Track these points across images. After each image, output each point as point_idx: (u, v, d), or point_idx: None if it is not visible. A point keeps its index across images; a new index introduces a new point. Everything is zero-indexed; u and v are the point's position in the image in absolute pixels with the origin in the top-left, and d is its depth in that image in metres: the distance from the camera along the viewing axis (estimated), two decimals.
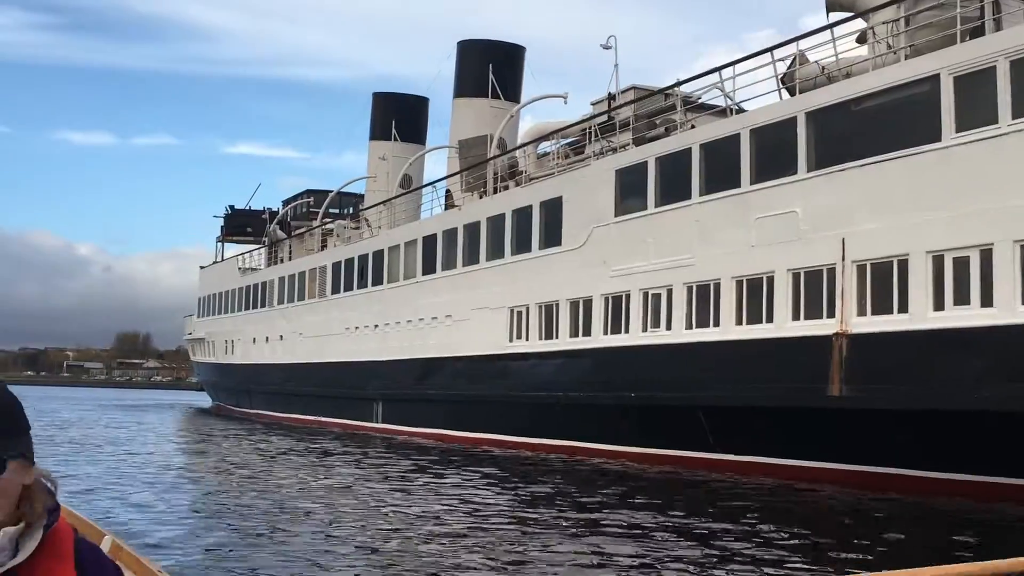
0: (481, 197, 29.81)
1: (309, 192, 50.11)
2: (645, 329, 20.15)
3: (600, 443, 21.18)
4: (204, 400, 72.76)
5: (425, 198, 36.37)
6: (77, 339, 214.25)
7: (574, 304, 22.54)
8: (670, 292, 19.60)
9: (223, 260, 51.63)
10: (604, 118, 25.38)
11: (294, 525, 12.03)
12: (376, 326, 32.17)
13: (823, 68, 17.47)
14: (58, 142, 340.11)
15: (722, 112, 20.79)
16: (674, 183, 19.74)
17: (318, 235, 42.40)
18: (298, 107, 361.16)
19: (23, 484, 1.84)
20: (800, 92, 17.51)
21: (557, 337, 22.96)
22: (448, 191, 34.15)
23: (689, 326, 19.07)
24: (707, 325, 18.61)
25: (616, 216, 21.30)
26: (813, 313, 16.40)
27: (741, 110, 21.24)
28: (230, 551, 10.24)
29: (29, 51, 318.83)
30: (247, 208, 52.13)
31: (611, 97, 26.88)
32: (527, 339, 24.15)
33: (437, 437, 27.37)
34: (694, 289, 19.08)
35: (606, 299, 21.44)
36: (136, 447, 25.40)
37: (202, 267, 54.25)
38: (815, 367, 16.02)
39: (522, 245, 24.72)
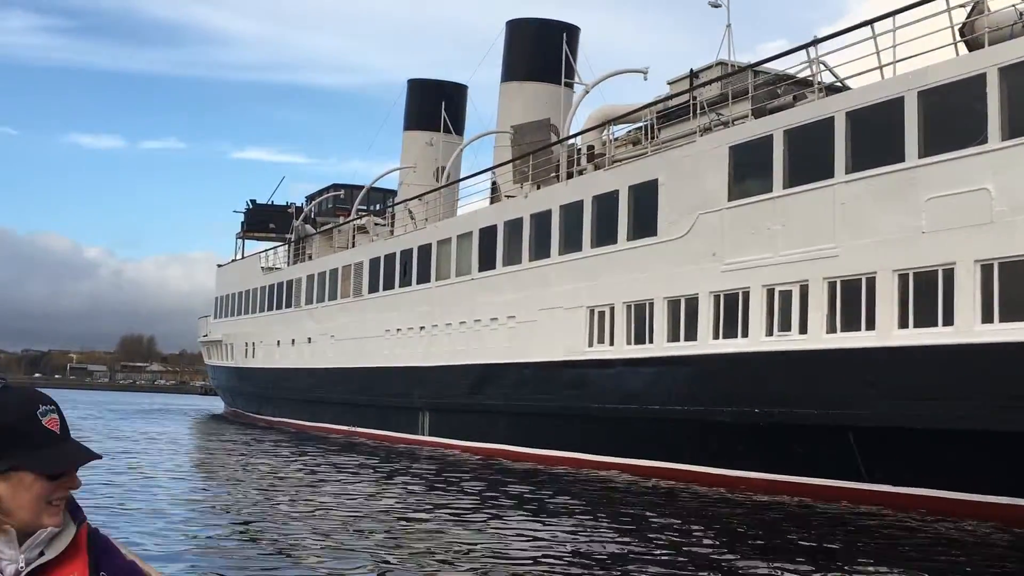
0: (539, 187, 26.77)
1: (336, 186, 47.14)
2: (770, 332, 17.05)
3: (707, 466, 18.07)
4: (210, 405, 69.81)
5: (464, 191, 33.36)
6: (82, 342, 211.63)
7: (673, 303, 19.45)
8: (805, 289, 16.51)
9: (243, 257, 48.60)
10: (685, 98, 22.40)
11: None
12: (422, 328, 29.08)
13: (1022, 14, 14.38)
14: (68, 145, 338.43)
15: (828, 89, 17.86)
16: (810, 160, 16.67)
17: (348, 231, 39.38)
18: (307, 113, 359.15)
19: None
20: (989, 44, 14.40)
21: (651, 341, 19.86)
22: (494, 183, 31.17)
23: (832, 329, 15.97)
24: (856, 327, 15.51)
25: (730, 200, 18.23)
26: (1013, 314, 13.29)
27: (845, 87, 18.25)
28: None
29: (40, 53, 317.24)
30: (269, 203, 49.14)
31: (693, 74, 23.87)
32: (611, 343, 21.06)
33: (496, 453, 24.26)
34: (838, 285, 15.99)
35: (716, 297, 18.35)
36: (161, 466, 22.32)
37: (220, 265, 51.27)
38: (1015, 382, 12.93)
39: (605, 236, 21.64)
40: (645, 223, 20.40)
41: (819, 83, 17.66)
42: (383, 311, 31.60)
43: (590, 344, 21.72)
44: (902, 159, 15.05)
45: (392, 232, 36.48)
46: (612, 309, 21.12)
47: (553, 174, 25.26)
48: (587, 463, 21.19)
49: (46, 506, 1.95)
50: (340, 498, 15.78)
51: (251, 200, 48.57)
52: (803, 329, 16.40)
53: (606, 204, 21.68)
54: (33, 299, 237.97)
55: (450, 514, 13.90)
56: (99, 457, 2.04)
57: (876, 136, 15.55)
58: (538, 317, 23.56)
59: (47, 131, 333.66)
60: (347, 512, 13.98)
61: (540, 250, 23.95)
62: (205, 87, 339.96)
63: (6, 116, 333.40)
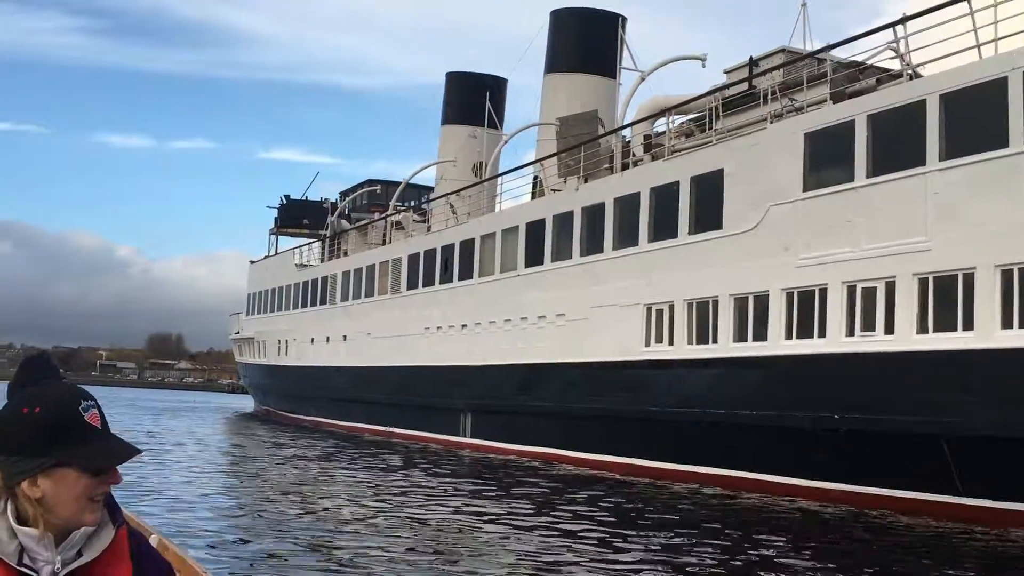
0: (587, 181, 25.69)
1: (372, 182, 46.31)
2: (851, 332, 15.85)
3: (775, 475, 16.90)
4: (239, 403, 69.27)
5: (504, 186, 32.29)
6: (111, 339, 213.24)
7: (740, 301, 18.30)
8: (891, 285, 15.30)
9: (277, 254, 47.88)
10: (744, 87, 21.25)
11: None
12: (464, 326, 28.08)
13: None
14: (97, 144, 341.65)
15: (895, 77, 16.66)
16: (897, 146, 15.46)
17: (384, 226, 38.52)
18: (335, 113, 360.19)
19: None
20: None
21: (715, 341, 18.72)
22: (536, 178, 30.13)
23: (923, 329, 14.75)
24: (952, 328, 14.29)
25: (806, 191, 17.04)
26: None
27: (917, 75, 17.00)
28: None
29: (71, 53, 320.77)
30: (303, 199, 48.38)
31: (753, 63, 22.69)
32: (670, 343, 19.93)
33: (543, 457, 23.20)
34: (930, 281, 14.77)
35: (789, 295, 17.18)
36: (201, 469, 21.47)
37: (252, 261, 50.54)
38: None
39: (664, 230, 20.52)
40: (708, 216, 19.25)
41: (908, 64, 16.44)
42: (423, 308, 30.65)
43: (647, 344, 20.60)
44: (1005, 144, 13.82)
45: (430, 228, 35.58)
46: (671, 307, 19.99)
47: (605, 166, 24.15)
48: (641, 469, 20.06)
49: (87, 503, 1.93)
50: (393, 502, 14.80)
51: (285, 195, 47.89)
52: (889, 329, 15.20)
53: (665, 196, 20.56)
54: (64, 297, 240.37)
55: (531, 526, 12.86)
56: (140, 452, 2.01)
57: (975, 120, 14.34)
58: (589, 315, 22.48)
59: (78, 130, 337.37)
60: (410, 519, 12.99)
61: (592, 245, 22.87)
62: (233, 87, 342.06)
63: (38, 114, 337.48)
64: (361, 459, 22.87)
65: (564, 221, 24.03)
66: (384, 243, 37.39)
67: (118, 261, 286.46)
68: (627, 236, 21.68)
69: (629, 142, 26.22)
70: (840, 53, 19.56)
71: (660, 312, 20.34)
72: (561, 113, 30.16)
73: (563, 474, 20.52)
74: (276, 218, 48.25)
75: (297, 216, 47.13)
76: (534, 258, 25.08)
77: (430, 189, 43.18)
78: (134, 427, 32.42)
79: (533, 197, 29.61)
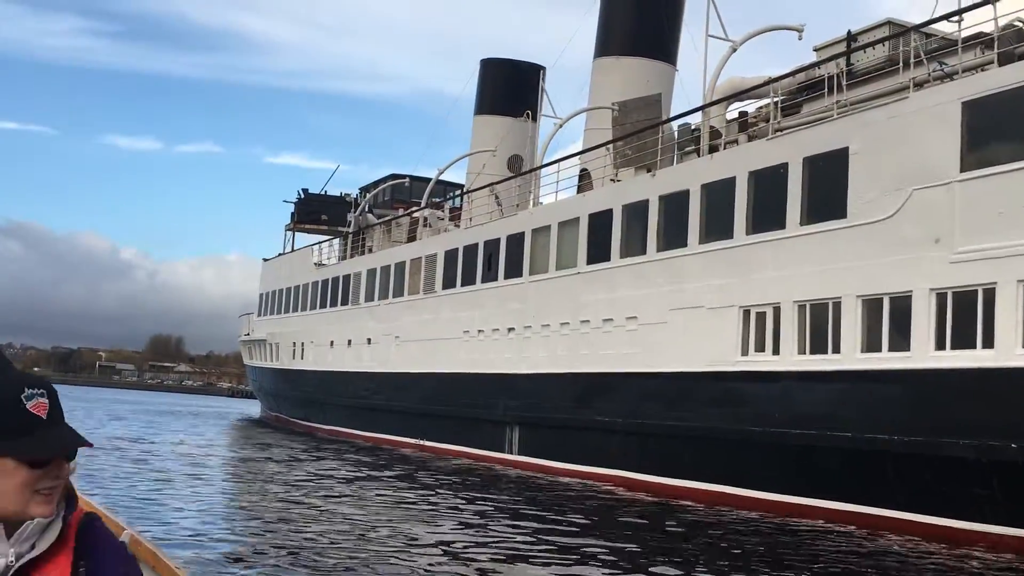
0: (649, 171, 22.83)
1: (394, 176, 43.40)
2: None
3: (922, 513, 13.96)
4: (241, 407, 66.38)
5: (546, 179, 29.37)
6: (112, 341, 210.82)
7: (871, 303, 15.36)
8: None
9: (293, 251, 44.96)
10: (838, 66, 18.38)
11: None
12: (511, 330, 25.14)
13: None
14: (105, 146, 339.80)
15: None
16: None
17: (407, 224, 35.64)
18: (341, 119, 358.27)
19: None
20: None
21: (837, 351, 15.77)
22: (584, 171, 27.26)
23: None
24: None
25: (964, 171, 14.13)
26: None
27: None
28: None
29: (81, 56, 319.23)
30: (322, 193, 45.46)
31: (852, 37, 19.81)
32: (775, 352, 16.99)
33: (606, 479, 20.24)
34: None
35: (941, 296, 14.25)
36: (212, 489, 18.54)
37: (266, 259, 47.62)
38: None
39: (766, 220, 17.61)
40: (828, 203, 16.34)
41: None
42: (461, 310, 27.73)
43: (744, 352, 17.66)
44: None
45: (457, 225, 32.69)
46: (777, 310, 17.06)
47: (693, 148, 21.24)
48: (733, 498, 17.12)
49: (33, 495, 1.85)
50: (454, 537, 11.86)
51: (303, 189, 44.91)
52: None
53: (768, 181, 17.65)
54: (69, 298, 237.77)
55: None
56: (89, 444, 1.95)
57: None
58: (669, 319, 19.55)
59: (86, 132, 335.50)
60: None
61: (672, 238, 19.95)
62: (241, 92, 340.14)
63: (47, 116, 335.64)
64: (389, 475, 19.93)
65: (637, 212, 21.14)
66: (409, 240, 34.53)
67: (123, 263, 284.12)
68: (717, 228, 18.78)
69: (695, 130, 23.43)
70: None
71: (761, 315, 17.41)
72: (613, 99, 27.40)
73: (635, 499, 17.57)
74: (293, 213, 45.29)
75: (315, 211, 44.19)
76: (599, 254, 22.16)
77: (458, 186, 40.31)
78: (125, 432, 29.47)
79: (580, 191, 26.78)
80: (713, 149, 20.26)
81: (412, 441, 29.19)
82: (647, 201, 20.82)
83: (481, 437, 25.50)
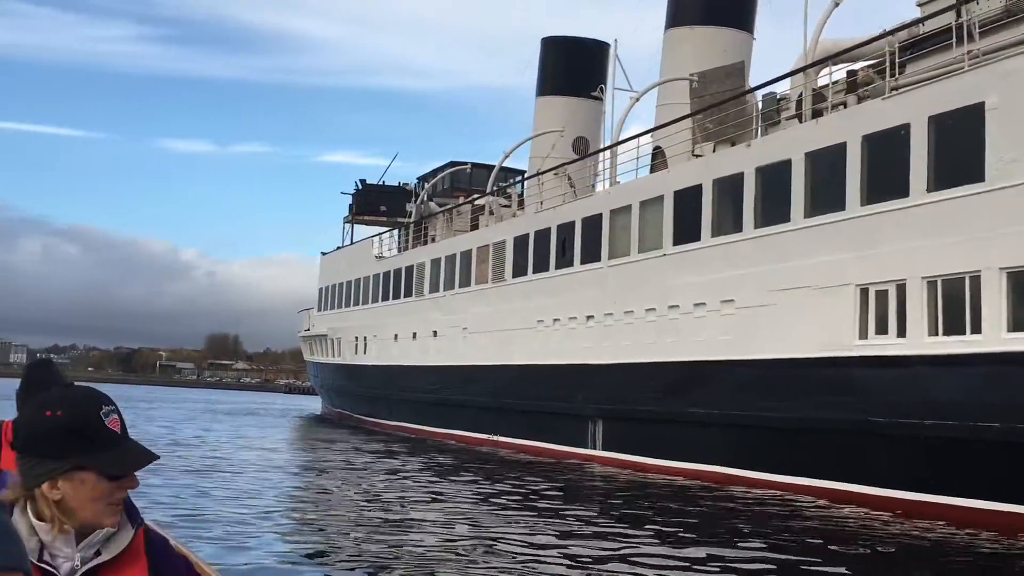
0: (733, 144, 21.17)
1: (453, 163, 42.10)
2: None
3: None
4: (299, 404, 65.89)
5: (619, 158, 27.72)
6: (171, 340, 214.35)
7: (1018, 276, 13.59)
8: None
9: (352, 243, 43.98)
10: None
11: None
12: (589, 317, 23.67)
13: None
14: (161, 149, 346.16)
15: None
16: None
17: (469, 212, 34.32)
18: (388, 115, 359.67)
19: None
20: None
21: (977, 331, 14.01)
22: (658, 149, 25.62)
23: None
24: None
25: None
26: None
27: None
28: None
29: (137, 61, 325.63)
30: (380, 183, 44.34)
31: None
32: (901, 334, 15.28)
33: (703, 476, 18.68)
34: None
35: None
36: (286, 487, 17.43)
37: (324, 253, 46.77)
38: None
39: (885, 188, 15.87)
40: (961, 165, 14.57)
41: None
42: (533, 298, 26.32)
43: (862, 335, 15.96)
44: None
45: (521, 210, 31.26)
46: (902, 287, 15.33)
47: (793, 115, 19.52)
48: (852, 496, 15.46)
49: (106, 506, 1.96)
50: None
51: (361, 180, 43.80)
52: None
53: (886, 145, 15.91)
54: (128, 299, 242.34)
55: None
56: (157, 458, 2.04)
57: None
58: (771, 300, 17.90)
59: (143, 136, 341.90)
60: None
61: (772, 213, 18.29)
62: (291, 92, 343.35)
63: (108, 122, 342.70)
64: (466, 474, 18.61)
65: (730, 186, 19.49)
66: (472, 229, 33.21)
67: (182, 264, 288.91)
68: (826, 200, 17.07)
69: (782, 99, 21.70)
70: None
71: (883, 294, 15.69)
72: (686, 72, 25.76)
73: (747, 497, 15.99)
74: (351, 205, 44.23)
75: (374, 202, 43.05)
76: (687, 233, 20.57)
77: (519, 172, 38.86)
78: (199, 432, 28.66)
79: (653, 170, 25.18)
80: (816, 115, 18.52)
81: (484, 437, 27.90)
82: (741, 175, 19.16)
83: (560, 432, 24.09)
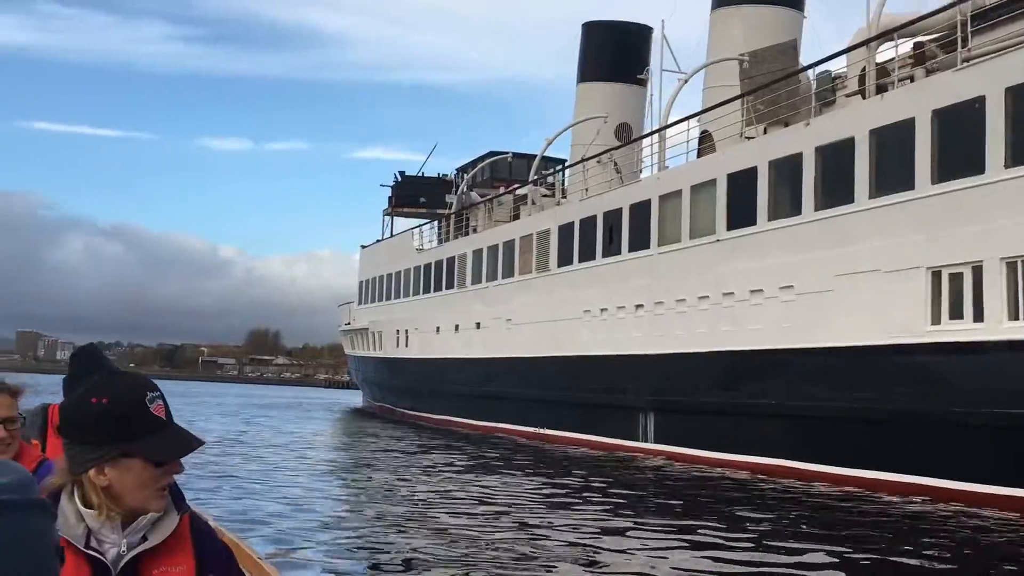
0: (787, 126, 20.31)
1: (493, 154, 41.55)
2: None
3: None
4: (339, 398, 65.89)
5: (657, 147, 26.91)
6: (212, 336, 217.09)
7: None
8: None
9: (392, 235, 43.62)
10: None
11: None
12: (639, 307, 22.97)
13: None
14: (200, 148, 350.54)
15: None
16: None
17: (510, 203, 33.71)
18: (421, 110, 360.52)
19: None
20: None
21: None
22: (706, 132, 24.81)
23: None
24: None
25: None
26: None
27: None
28: None
29: (178, 62, 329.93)
30: (419, 175, 43.96)
31: None
32: (978, 319, 14.42)
33: (762, 469, 17.93)
34: None
35: None
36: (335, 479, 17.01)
37: (364, 246, 46.47)
38: None
39: (959, 165, 14.99)
40: None
41: None
42: (580, 288, 25.67)
43: (935, 321, 15.12)
44: None
45: (563, 200, 30.56)
46: (977, 269, 14.47)
47: (856, 91, 18.65)
48: (923, 489, 14.66)
49: (152, 492, 1.96)
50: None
51: (400, 172, 43.53)
52: None
53: (959, 119, 15.03)
54: (170, 296, 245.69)
55: None
56: (203, 443, 2.05)
57: None
58: (834, 286, 17.09)
59: (181, 135, 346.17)
60: None
61: (835, 194, 17.46)
62: (325, 88, 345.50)
63: (148, 122, 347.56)
64: (515, 468, 18.04)
65: (787, 168, 18.68)
66: (513, 219, 32.60)
67: (222, 261, 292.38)
68: (893, 179, 16.22)
69: (836, 77, 20.78)
70: None
71: (957, 277, 14.84)
72: (733, 53, 24.90)
73: (809, 491, 15.25)
74: (390, 197, 43.92)
75: (413, 194, 42.69)
76: (742, 217, 19.79)
77: (559, 161, 38.17)
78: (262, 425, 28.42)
79: (700, 155, 24.38)
80: (880, 91, 17.63)
81: (529, 430, 27.34)
82: (800, 155, 18.34)
83: (609, 424, 23.44)
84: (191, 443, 2.00)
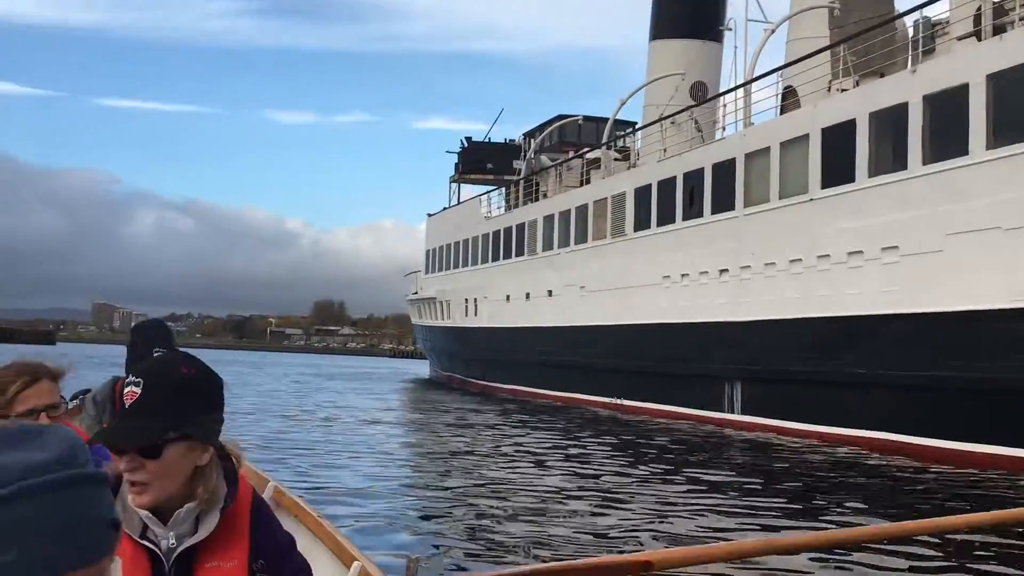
0: (883, 75, 18.85)
1: (561, 117, 40.39)
2: None
3: None
4: (404, 367, 65.94)
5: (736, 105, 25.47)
6: (280, 307, 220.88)
7: None
8: None
9: (459, 203, 42.91)
10: None
11: None
12: (723, 271, 21.85)
13: None
14: (266, 121, 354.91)
15: None
16: None
17: (579, 167, 32.61)
18: (484, 79, 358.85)
19: (196, 465, 1.85)
20: None
21: None
22: (790, 88, 23.37)
23: None
24: None
25: None
26: None
27: None
28: None
29: (242, 37, 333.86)
30: (486, 140, 43.05)
31: None
32: None
33: (865, 443, 16.79)
34: None
35: None
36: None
37: (430, 214, 45.88)
38: None
39: None
40: None
41: None
42: (659, 253, 24.60)
43: None
44: None
45: (634, 164, 29.38)
46: None
47: (969, 33, 17.15)
48: None
49: (201, 477, 1.89)
50: None
51: (466, 138, 42.68)
52: None
53: None
54: (239, 268, 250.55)
55: None
56: (134, 447, 1.93)
57: None
58: (946, 245, 15.78)
59: (248, 108, 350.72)
60: None
61: (946, 147, 16.07)
62: (389, 59, 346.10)
63: (214, 97, 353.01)
64: (596, 438, 17.21)
65: (891, 119, 17.31)
66: (583, 184, 31.55)
67: (288, 233, 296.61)
68: (1014, 127, 14.80)
69: (936, 24, 19.21)
70: None
71: None
72: (813, 5, 23.40)
73: (920, 468, 14.12)
74: (457, 164, 43.14)
75: (480, 160, 41.82)
76: (839, 174, 18.49)
77: (630, 123, 36.87)
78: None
79: (782, 112, 23.02)
80: (997, 32, 16.14)
81: (607, 400, 26.49)
82: (906, 105, 16.95)
83: (693, 395, 22.45)
84: (111, 438, 1.90)
